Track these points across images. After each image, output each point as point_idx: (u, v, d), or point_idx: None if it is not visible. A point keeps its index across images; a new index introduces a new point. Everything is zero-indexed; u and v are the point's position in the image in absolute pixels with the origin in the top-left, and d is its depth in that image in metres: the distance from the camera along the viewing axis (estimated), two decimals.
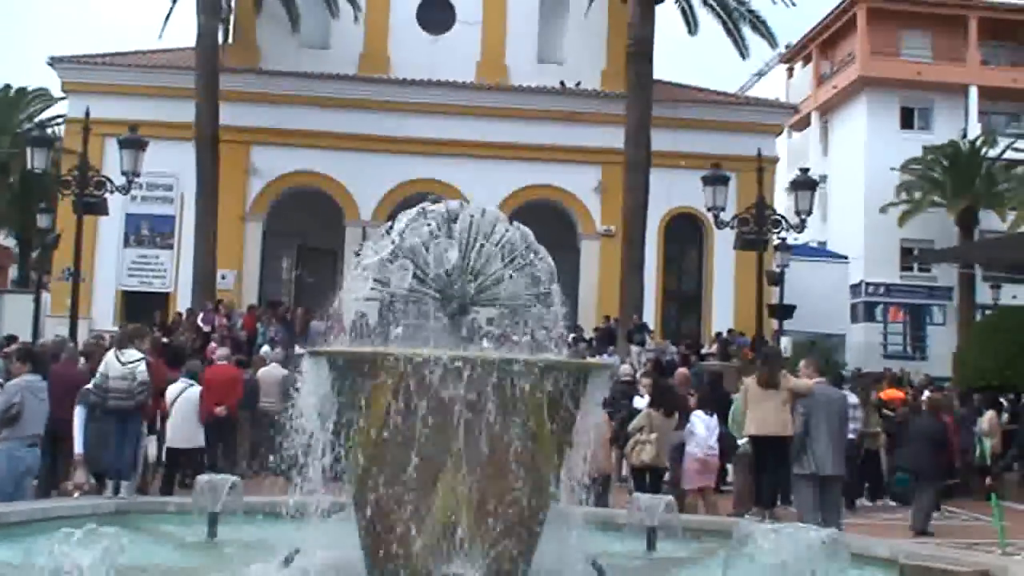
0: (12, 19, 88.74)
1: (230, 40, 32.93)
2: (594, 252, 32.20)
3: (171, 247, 31.27)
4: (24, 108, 44.03)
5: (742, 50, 31.62)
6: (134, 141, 21.96)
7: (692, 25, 31.79)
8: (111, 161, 24.58)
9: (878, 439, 18.00)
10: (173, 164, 29.31)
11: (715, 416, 14.35)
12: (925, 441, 15.06)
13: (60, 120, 37.67)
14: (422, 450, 7.28)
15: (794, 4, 30.52)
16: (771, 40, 31.95)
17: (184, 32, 30.55)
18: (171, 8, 30.35)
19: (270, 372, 18.09)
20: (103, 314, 30.37)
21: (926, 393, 19.50)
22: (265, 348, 22.29)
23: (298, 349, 19.43)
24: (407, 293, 9.53)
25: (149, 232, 31.39)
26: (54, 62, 31.85)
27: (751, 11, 30.95)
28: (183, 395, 14.44)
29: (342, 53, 32.43)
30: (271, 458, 8.14)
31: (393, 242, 9.77)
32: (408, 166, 31.31)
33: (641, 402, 14.94)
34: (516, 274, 9.38)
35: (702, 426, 13.98)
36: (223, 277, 29.76)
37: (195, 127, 28.64)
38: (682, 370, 17.76)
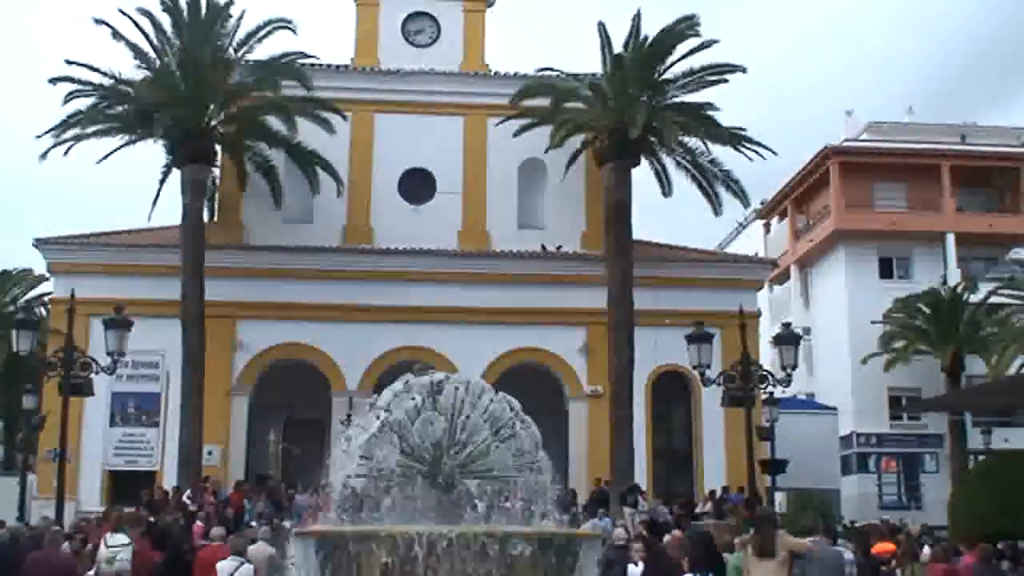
0: None
1: (215, 218, 33.32)
2: (582, 413, 32.08)
3: (157, 425, 31.07)
4: (9, 289, 44.25)
5: (716, 208, 32.13)
6: (119, 322, 22.10)
7: (666, 188, 32.37)
8: (97, 340, 24.66)
9: None
10: (159, 341, 29.34)
11: None
12: None
13: (46, 299, 37.80)
14: None
15: (774, 153, 31.11)
16: (743, 200, 32.55)
17: (170, 210, 31.04)
18: (158, 191, 30.81)
19: (258, 550, 17.73)
20: (90, 495, 30.00)
21: (927, 549, 19.19)
22: (253, 525, 21.94)
23: (286, 525, 19.19)
24: (395, 469, 9.51)
25: (135, 410, 31.21)
26: (39, 243, 32.08)
27: (724, 171, 31.57)
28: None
29: (325, 226, 32.85)
30: None
31: (378, 417, 9.80)
32: (393, 334, 31.40)
33: (635, 570, 14.66)
34: (502, 445, 9.39)
35: None
36: (209, 453, 29.51)
37: (181, 304, 28.83)
38: (676, 533, 17.51)
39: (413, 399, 9.36)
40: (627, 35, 31.00)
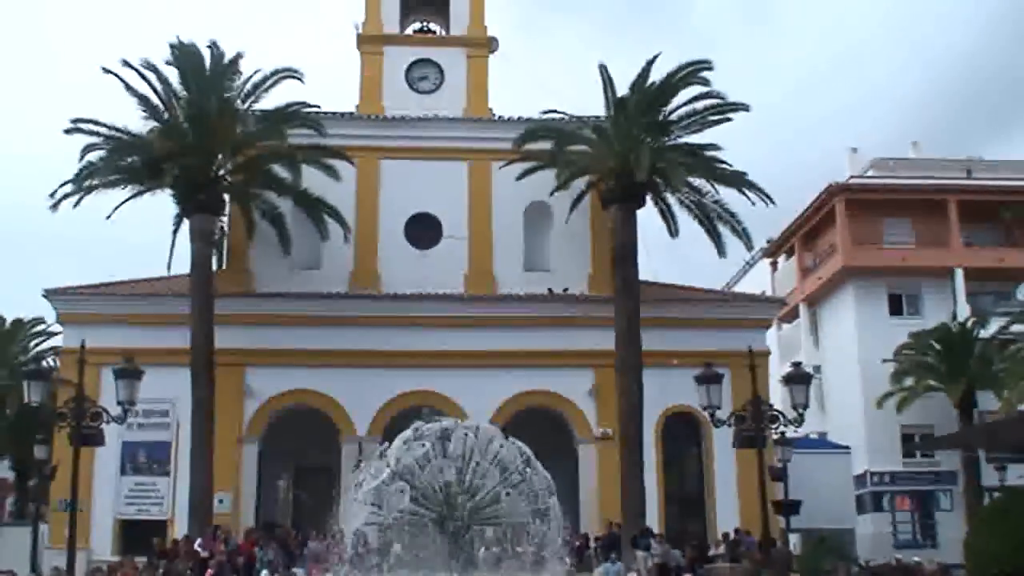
0: (7, 251, 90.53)
1: (224, 265, 33.42)
2: (592, 456, 31.93)
3: (168, 473, 31.00)
4: (21, 340, 44.37)
5: (721, 249, 32.10)
6: (130, 371, 22.08)
7: (673, 229, 32.39)
8: (107, 389, 24.67)
9: None
10: (169, 390, 29.33)
11: None
12: None
13: (57, 349, 37.83)
14: None
15: (774, 203, 31.20)
16: (747, 243, 32.49)
17: (179, 259, 31.16)
18: (172, 242, 30.91)
19: None
20: (102, 544, 29.96)
21: None
22: (264, 573, 21.91)
23: (297, 573, 19.18)
24: (405, 516, 9.51)
25: (146, 459, 31.18)
26: (49, 294, 32.14)
27: (728, 212, 31.58)
28: None
29: (333, 272, 32.96)
30: None
31: (389, 464, 9.80)
32: (402, 379, 31.41)
33: None
34: (513, 491, 9.39)
35: None
36: (220, 501, 29.44)
37: (190, 353, 28.87)
38: None
39: (423, 446, 9.39)
40: (635, 77, 31.13)
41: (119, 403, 22.18)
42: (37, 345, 44.11)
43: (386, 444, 9.91)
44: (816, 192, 49.75)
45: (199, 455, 28.45)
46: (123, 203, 30.39)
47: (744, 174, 30.76)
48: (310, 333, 31.34)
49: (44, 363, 33.33)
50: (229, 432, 30.36)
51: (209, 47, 30.60)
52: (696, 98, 30.69)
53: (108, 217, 30.18)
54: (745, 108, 30.63)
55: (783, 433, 28.06)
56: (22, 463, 41.42)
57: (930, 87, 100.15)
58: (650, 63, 31.11)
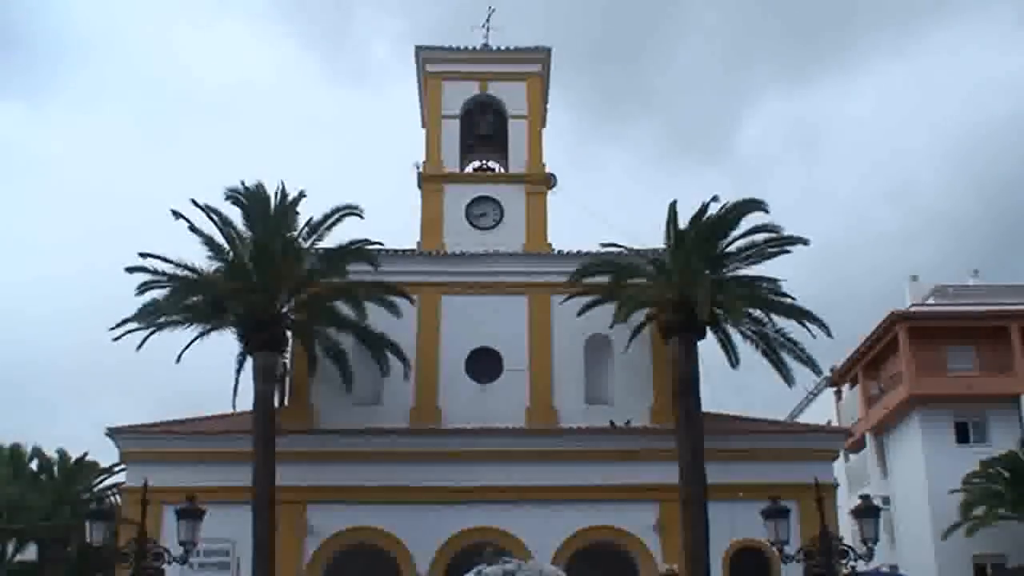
0: (69, 389, 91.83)
1: (285, 402, 33.56)
2: None
3: None
4: (84, 478, 44.65)
5: (788, 380, 31.66)
6: (192, 512, 22.20)
7: (733, 360, 32.01)
8: (169, 527, 24.72)
9: None
10: (229, 527, 29.13)
11: None
12: None
13: (119, 486, 37.98)
14: None
15: (832, 336, 30.88)
16: (814, 368, 31.92)
17: (241, 395, 31.32)
18: (236, 381, 30.95)
19: None
20: None
21: None
22: None
23: None
24: None
25: None
26: (112, 433, 32.37)
27: (791, 340, 31.28)
28: None
29: (394, 408, 32.94)
30: None
31: None
32: (464, 516, 31.06)
33: None
34: None
35: None
36: None
37: (252, 491, 28.81)
38: None
39: None
40: (694, 214, 31.18)
41: (181, 543, 22.22)
42: (99, 483, 44.37)
43: None
44: (875, 320, 49.57)
45: None
46: (191, 343, 30.61)
47: (804, 308, 30.51)
48: (371, 469, 31.23)
49: (106, 502, 33.54)
50: (289, 570, 30.04)
51: (267, 187, 31.26)
52: (754, 230, 30.76)
53: (177, 360, 30.31)
54: (804, 242, 30.60)
55: (854, 567, 27.41)
56: None
57: (986, 214, 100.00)
58: (706, 205, 31.09)
